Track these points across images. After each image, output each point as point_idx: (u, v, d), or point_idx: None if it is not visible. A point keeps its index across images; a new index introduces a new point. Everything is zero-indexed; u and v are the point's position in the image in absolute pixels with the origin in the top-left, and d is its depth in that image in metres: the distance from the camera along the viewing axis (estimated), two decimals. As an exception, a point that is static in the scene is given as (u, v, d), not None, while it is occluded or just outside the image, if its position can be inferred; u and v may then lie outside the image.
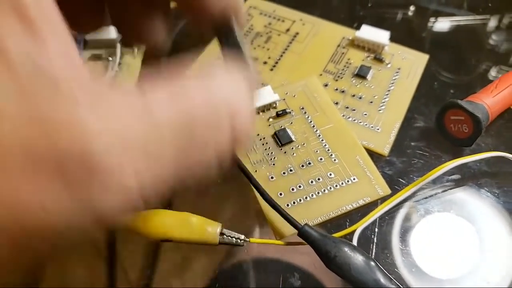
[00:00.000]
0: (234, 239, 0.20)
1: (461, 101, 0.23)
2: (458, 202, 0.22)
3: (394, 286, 0.18)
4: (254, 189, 0.21)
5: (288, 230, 0.20)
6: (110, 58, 0.26)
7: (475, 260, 0.20)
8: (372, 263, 0.18)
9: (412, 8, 0.32)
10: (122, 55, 0.26)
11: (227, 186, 0.22)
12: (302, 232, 0.19)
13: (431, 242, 0.21)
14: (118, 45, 0.26)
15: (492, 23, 0.31)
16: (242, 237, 0.20)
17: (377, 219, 0.21)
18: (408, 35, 0.30)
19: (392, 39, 0.27)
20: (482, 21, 0.31)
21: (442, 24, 0.31)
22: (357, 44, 0.28)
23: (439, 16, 0.31)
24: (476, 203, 0.22)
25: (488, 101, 0.23)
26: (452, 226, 0.21)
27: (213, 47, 0.28)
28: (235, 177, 0.22)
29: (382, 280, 0.18)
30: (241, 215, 0.22)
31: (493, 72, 0.28)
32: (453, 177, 0.23)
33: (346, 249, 0.19)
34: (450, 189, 0.22)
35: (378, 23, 0.28)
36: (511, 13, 0.32)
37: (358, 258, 0.19)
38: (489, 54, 0.29)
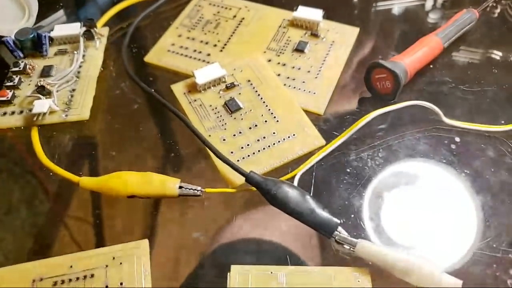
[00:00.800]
0: (192, 190, 0.23)
1: (382, 61, 0.27)
2: (386, 148, 0.26)
3: (326, 214, 0.21)
4: (208, 149, 0.24)
5: (238, 180, 0.24)
6: (75, 52, 0.29)
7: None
8: (308, 196, 0.22)
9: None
10: (85, 48, 0.29)
11: (185, 151, 0.26)
12: (248, 177, 0.23)
13: (360, 182, 0.25)
14: (82, 39, 0.29)
15: (429, 3, 0.35)
16: (199, 188, 0.23)
17: (315, 165, 0.25)
18: (348, 15, 0.34)
19: (330, 18, 0.31)
20: (420, 2, 0.35)
21: (384, 7, 0.35)
22: (296, 24, 0.32)
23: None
24: (398, 146, 0.26)
25: (406, 60, 0.27)
26: (379, 168, 0.25)
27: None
28: (192, 143, 0.26)
29: (317, 209, 0.21)
30: (197, 174, 0.25)
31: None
32: (380, 126, 0.26)
33: (284, 186, 0.22)
34: (377, 137, 0.26)
35: (319, 5, 0.31)
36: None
37: (295, 193, 0.22)
38: (422, 28, 0.33)
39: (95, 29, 0.30)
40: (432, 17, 0.34)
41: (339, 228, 0.21)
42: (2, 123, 0.26)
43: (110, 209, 0.23)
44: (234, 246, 0.22)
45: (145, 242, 0.21)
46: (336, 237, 0.21)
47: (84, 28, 0.29)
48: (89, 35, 0.29)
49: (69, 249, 0.22)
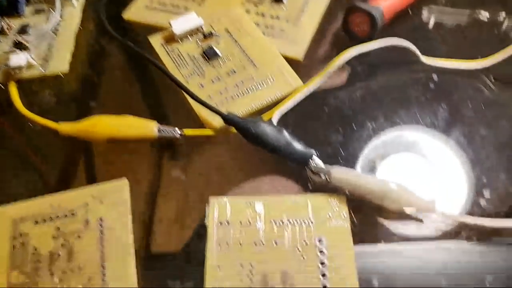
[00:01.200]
0: (170, 132, 0.23)
1: (358, 3, 0.27)
2: (363, 88, 0.26)
3: (302, 146, 0.22)
4: (185, 94, 0.24)
5: (217, 122, 0.24)
6: (52, 11, 0.29)
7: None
8: (284, 131, 0.22)
9: None
10: (62, 6, 0.29)
11: (164, 100, 0.26)
12: (226, 118, 0.23)
13: (338, 121, 0.25)
14: (59, -3, 0.29)
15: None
16: (177, 129, 0.23)
17: (291, 106, 0.25)
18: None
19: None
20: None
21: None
22: (274, -23, 0.32)
23: None
24: (376, 86, 0.26)
25: (382, 3, 0.27)
26: (357, 108, 0.25)
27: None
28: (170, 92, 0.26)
29: (293, 142, 0.22)
30: (177, 121, 0.25)
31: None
32: (358, 68, 0.27)
33: (262, 123, 0.22)
34: (355, 78, 0.26)
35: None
36: None
37: (271, 129, 0.22)
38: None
39: (72, -14, 0.30)
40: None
41: (314, 158, 0.21)
42: (-18, 79, 0.26)
43: (89, 153, 0.24)
44: (212, 181, 0.22)
45: (125, 180, 0.22)
46: (312, 166, 0.21)
47: (60, -14, 0.30)
48: (66, -7, 0.30)
49: (50, 191, 0.22)
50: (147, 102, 0.26)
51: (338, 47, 0.28)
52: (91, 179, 0.22)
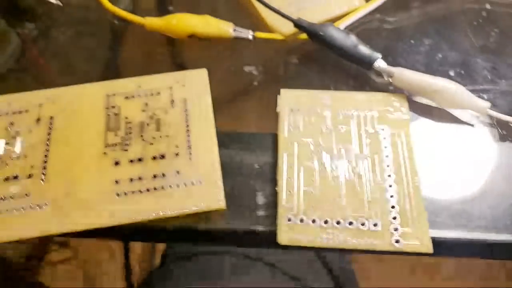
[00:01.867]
0: (244, 33, 0.26)
1: None
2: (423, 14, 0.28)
3: (368, 48, 0.24)
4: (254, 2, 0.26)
5: (287, 29, 0.26)
6: None
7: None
8: (352, 35, 0.24)
9: None
10: None
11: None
12: (296, 22, 0.25)
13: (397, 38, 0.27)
14: None
15: None
16: (251, 31, 0.26)
17: (357, 21, 0.27)
18: None
19: None
20: None
21: None
22: None
23: None
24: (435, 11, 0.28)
25: None
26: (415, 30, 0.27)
27: None
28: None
29: (359, 45, 0.24)
30: (244, 25, 0.27)
31: None
32: None
33: (330, 28, 0.24)
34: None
35: None
36: None
37: (340, 32, 0.24)
38: None
39: None
40: None
41: (379, 60, 0.23)
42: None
43: (171, 45, 0.26)
44: (284, 77, 0.25)
45: (204, 70, 0.24)
46: (376, 67, 0.23)
47: None
48: None
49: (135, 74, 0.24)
50: (214, 7, 0.28)
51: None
52: (174, 68, 0.25)
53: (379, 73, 0.24)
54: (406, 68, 0.23)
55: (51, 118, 0.22)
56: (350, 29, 0.26)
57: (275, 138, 0.22)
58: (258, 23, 0.27)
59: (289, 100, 0.23)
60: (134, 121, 0.22)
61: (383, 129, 0.22)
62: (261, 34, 0.26)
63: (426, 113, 0.23)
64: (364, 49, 0.24)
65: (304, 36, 0.26)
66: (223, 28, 0.25)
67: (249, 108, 0.24)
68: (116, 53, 0.26)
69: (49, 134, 0.22)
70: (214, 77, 0.24)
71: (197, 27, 0.25)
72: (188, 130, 0.22)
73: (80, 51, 0.26)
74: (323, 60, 0.25)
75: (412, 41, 0.26)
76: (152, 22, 0.26)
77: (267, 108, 0.23)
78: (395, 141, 0.21)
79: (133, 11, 0.26)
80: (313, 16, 0.27)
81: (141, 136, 0.22)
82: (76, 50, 0.26)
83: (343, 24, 0.26)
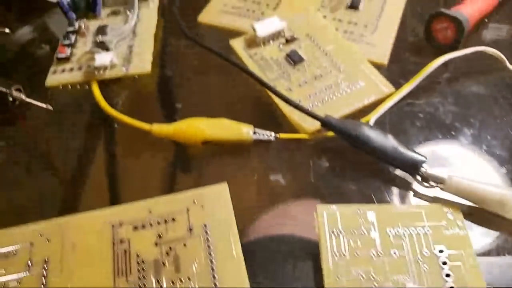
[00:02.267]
0: (265, 136, 0.23)
1: (444, 9, 0.26)
2: (454, 94, 0.25)
3: (411, 151, 0.21)
4: (276, 97, 0.23)
5: (311, 126, 0.23)
6: (128, 12, 0.29)
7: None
8: (389, 135, 0.21)
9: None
10: (138, 8, 0.29)
11: (250, 101, 0.25)
12: (324, 121, 0.22)
13: (433, 127, 0.24)
14: (136, -1, 0.29)
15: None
16: (272, 133, 0.23)
17: (386, 111, 0.24)
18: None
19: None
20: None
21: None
22: (346, -17, 0.31)
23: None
24: (466, 92, 0.25)
25: (467, 9, 0.27)
26: (447, 115, 0.24)
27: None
28: (255, 93, 0.25)
29: (400, 147, 0.21)
30: (263, 122, 0.24)
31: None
32: (445, 75, 0.26)
33: (365, 127, 0.22)
34: (443, 84, 0.26)
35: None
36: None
37: (376, 132, 0.21)
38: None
39: (148, -12, 0.29)
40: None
41: (424, 165, 0.21)
42: (63, 79, 0.26)
43: (183, 155, 0.23)
44: (316, 187, 0.21)
45: (225, 185, 0.21)
46: (424, 174, 0.20)
47: (137, -12, 0.29)
48: (142, -5, 0.29)
49: (146, 196, 0.21)
50: (232, 103, 0.25)
51: (419, 52, 0.27)
52: (188, 182, 0.21)
53: (425, 178, 0.21)
54: (456, 174, 0.20)
55: (45, 261, 0.19)
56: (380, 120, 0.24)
57: (316, 263, 0.18)
58: (274, 118, 0.24)
59: (328, 218, 0.20)
60: (147, 259, 0.19)
61: (441, 251, 0.19)
62: (285, 135, 0.23)
63: (486, 223, 0.20)
64: (406, 152, 0.21)
65: (331, 133, 0.23)
66: (242, 131, 0.22)
67: (279, 226, 0.21)
68: (115, 163, 0.23)
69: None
70: (235, 189, 0.21)
71: (212, 132, 0.22)
72: (213, 270, 0.18)
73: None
74: (357, 161, 0.22)
75: (451, 131, 0.23)
76: (160, 129, 0.22)
77: (302, 226, 0.20)
78: (457, 269, 0.18)
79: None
80: (338, 108, 0.24)
81: (158, 282, 0.18)
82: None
83: (373, 117, 0.23)
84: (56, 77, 0.26)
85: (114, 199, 0.21)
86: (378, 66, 0.26)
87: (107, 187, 0.22)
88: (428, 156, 0.21)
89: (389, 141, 0.21)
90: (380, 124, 0.24)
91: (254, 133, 0.22)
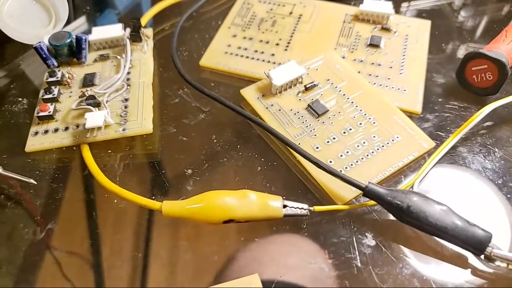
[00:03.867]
0: (298, 209, 0.19)
1: (483, 51, 0.24)
2: (500, 146, 0.22)
3: (474, 227, 0.18)
4: (303, 159, 0.20)
5: (348, 194, 0.20)
6: (119, 57, 0.25)
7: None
8: (445, 207, 0.18)
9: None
10: (131, 52, 0.25)
11: (273, 164, 0.22)
12: (367, 191, 0.19)
13: (482, 184, 0.21)
14: (128, 42, 0.25)
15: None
16: (306, 206, 0.19)
17: (430, 170, 0.21)
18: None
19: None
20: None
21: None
22: (361, 18, 0.28)
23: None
24: (515, 144, 0.23)
25: (504, 48, 0.24)
26: (497, 171, 0.22)
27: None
28: (276, 154, 0.22)
29: (461, 222, 0.18)
30: (288, 189, 0.21)
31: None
32: (487, 124, 0.23)
33: (416, 198, 0.18)
34: (486, 134, 0.23)
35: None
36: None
37: (431, 204, 0.18)
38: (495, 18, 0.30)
39: (142, 30, 0.25)
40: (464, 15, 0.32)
41: (493, 243, 0.17)
42: (47, 143, 0.21)
43: (201, 238, 0.19)
44: (363, 274, 0.18)
45: (256, 277, 0.17)
46: (491, 253, 0.17)
47: (129, 30, 0.25)
48: (135, 37, 0.25)
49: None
50: (251, 167, 0.21)
51: (453, 96, 0.25)
52: (211, 274, 0.18)
53: (491, 258, 0.18)
54: (532, 253, 0.17)
55: None
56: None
57: None
58: (300, 183, 0.21)
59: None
60: None
61: None
62: (320, 208, 0.19)
63: None
64: (468, 228, 0.18)
65: (372, 202, 0.19)
66: (272, 207, 0.18)
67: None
68: (131, 255, 0.19)
69: None
70: (269, 281, 0.17)
71: (237, 209, 0.18)
72: None
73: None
74: (406, 237, 0.19)
75: (504, 191, 0.20)
76: (172, 207, 0.18)
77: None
78: None
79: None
80: (375, 170, 0.21)
81: None
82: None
83: (417, 181, 0.20)
84: (37, 140, 0.22)
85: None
86: (411, 115, 0.23)
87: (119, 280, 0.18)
88: (485, 225, 0.18)
89: (446, 215, 0.18)
90: (422, 187, 0.21)
91: (285, 206, 0.19)
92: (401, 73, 0.25)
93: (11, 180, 0.20)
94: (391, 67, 0.26)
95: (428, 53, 0.27)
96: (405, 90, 0.24)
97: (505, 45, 0.25)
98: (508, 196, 0.20)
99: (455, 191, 0.21)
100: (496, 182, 0.21)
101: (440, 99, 0.25)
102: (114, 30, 0.25)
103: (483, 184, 0.21)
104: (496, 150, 0.22)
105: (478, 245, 0.17)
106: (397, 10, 0.30)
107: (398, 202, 0.18)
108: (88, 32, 0.26)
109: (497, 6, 0.31)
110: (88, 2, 0.32)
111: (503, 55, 0.24)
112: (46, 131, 0.22)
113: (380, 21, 0.28)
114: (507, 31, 0.26)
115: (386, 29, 0.28)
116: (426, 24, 0.28)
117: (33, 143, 0.22)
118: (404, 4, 0.31)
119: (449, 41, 0.28)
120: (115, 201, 0.20)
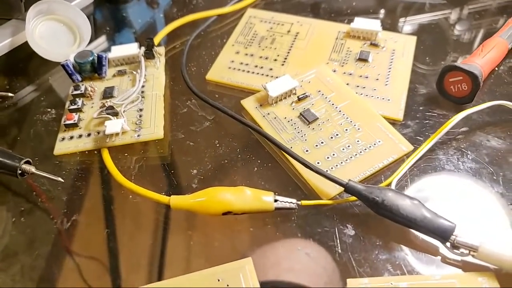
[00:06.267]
0: (287, 203, 0.22)
1: (458, 64, 0.26)
2: (474, 150, 0.25)
3: (441, 218, 0.20)
4: (294, 160, 0.23)
5: (332, 190, 0.23)
6: (135, 72, 0.28)
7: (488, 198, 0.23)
8: (416, 201, 0.21)
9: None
10: (145, 67, 0.28)
11: (267, 165, 0.24)
12: (348, 187, 0.22)
13: (456, 185, 0.23)
14: (142, 59, 0.28)
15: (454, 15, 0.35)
16: (294, 201, 0.22)
17: (407, 171, 0.24)
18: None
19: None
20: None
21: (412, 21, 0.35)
22: (352, 35, 0.31)
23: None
24: (485, 148, 0.25)
25: (479, 62, 0.27)
26: (468, 171, 0.24)
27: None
28: (271, 156, 0.25)
29: (429, 214, 0.20)
30: (280, 187, 0.23)
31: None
32: (462, 129, 0.26)
33: (390, 193, 0.21)
34: (461, 140, 0.25)
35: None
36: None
37: (403, 199, 0.21)
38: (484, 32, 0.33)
39: (155, 48, 0.29)
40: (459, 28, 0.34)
41: (455, 232, 0.20)
42: (72, 147, 0.25)
43: (203, 227, 0.22)
44: (343, 259, 0.20)
45: (249, 260, 0.20)
46: (455, 241, 0.20)
47: (143, 48, 0.29)
48: (149, 55, 0.29)
49: (168, 274, 0.20)
50: (249, 168, 0.24)
51: (433, 104, 0.27)
52: (209, 258, 0.20)
53: (456, 246, 0.20)
54: (487, 239, 0.19)
55: None
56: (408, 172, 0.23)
57: None
58: (292, 181, 0.23)
59: (359, 294, 0.19)
60: None
61: (481, 326, 0.18)
62: (307, 202, 0.22)
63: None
64: (435, 219, 0.20)
65: (353, 198, 0.22)
66: (264, 201, 0.21)
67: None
68: (140, 243, 0.22)
69: None
70: (261, 264, 0.20)
71: (234, 203, 0.21)
72: None
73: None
74: (383, 228, 0.21)
75: (475, 189, 0.23)
76: (178, 201, 0.22)
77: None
78: None
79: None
80: (357, 170, 0.23)
81: None
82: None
83: (395, 179, 0.23)
84: (64, 145, 0.25)
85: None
86: (393, 122, 0.26)
87: (108, 268, 0.21)
88: (454, 218, 0.20)
89: (416, 208, 0.20)
90: (401, 182, 0.23)
91: (276, 201, 0.22)
92: (386, 84, 0.28)
93: (43, 179, 0.24)
94: (377, 79, 0.28)
95: (413, 66, 0.29)
96: (389, 99, 0.27)
97: (480, 59, 0.27)
98: (477, 193, 0.23)
99: (429, 189, 0.23)
100: (467, 181, 0.23)
101: (421, 107, 0.27)
102: (131, 49, 0.29)
103: (455, 182, 0.23)
104: (469, 152, 0.25)
105: (443, 233, 0.20)
106: (394, 25, 0.33)
107: (374, 197, 0.21)
108: (108, 50, 0.30)
109: (491, 20, 0.34)
110: (108, 23, 0.36)
111: (477, 68, 0.26)
112: (71, 137, 0.25)
113: (369, 38, 0.31)
114: (483, 45, 0.29)
115: (374, 45, 0.31)
116: (412, 40, 0.31)
117: (61, 147, 0.25)
118: (401, 19, 0.34)
119: (434, 54, 0.31)
120: (130, 196, 0.23)
